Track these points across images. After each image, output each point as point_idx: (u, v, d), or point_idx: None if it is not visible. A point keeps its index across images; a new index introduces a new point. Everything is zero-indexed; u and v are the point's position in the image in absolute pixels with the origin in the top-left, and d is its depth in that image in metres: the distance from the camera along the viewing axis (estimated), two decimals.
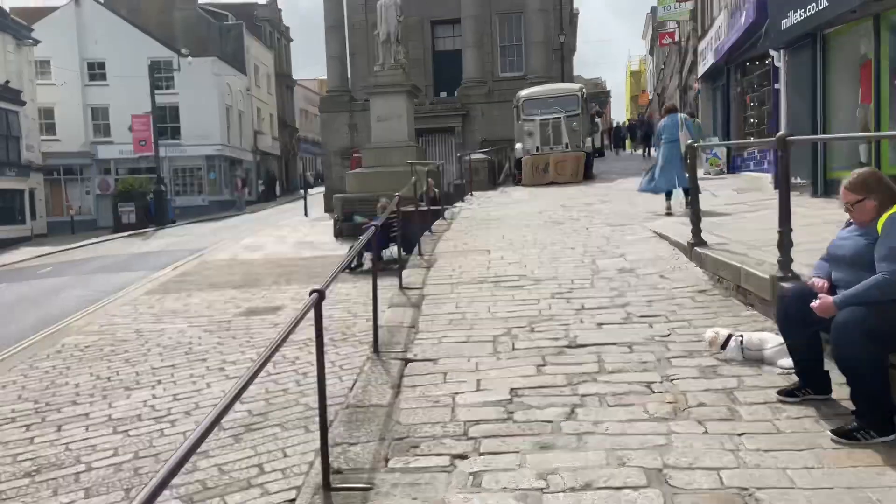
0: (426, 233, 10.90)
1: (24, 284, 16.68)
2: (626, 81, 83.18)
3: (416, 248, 9.53)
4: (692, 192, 7.42)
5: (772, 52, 11.78)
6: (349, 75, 31.41)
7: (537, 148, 18.46)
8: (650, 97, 63.42)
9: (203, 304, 11.70)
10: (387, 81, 21.89)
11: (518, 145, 19.29)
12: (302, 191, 47.06)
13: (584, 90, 19.26)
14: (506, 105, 27.40)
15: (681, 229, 8.18)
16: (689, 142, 8.68)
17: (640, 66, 78.47)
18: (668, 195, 10.65)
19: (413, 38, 30.92)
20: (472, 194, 17.07)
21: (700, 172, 13.42)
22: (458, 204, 15.04)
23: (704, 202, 8.46)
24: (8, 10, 30.99)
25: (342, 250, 18.20)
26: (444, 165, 29.62)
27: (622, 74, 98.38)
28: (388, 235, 14.02)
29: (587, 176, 18.70)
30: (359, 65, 30.47)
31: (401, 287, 7.09)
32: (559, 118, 18.31)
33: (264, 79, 44.27)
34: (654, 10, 57.98)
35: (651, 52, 61.96)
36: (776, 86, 12.23)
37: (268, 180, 41.75)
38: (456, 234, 10.83)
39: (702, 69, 20.65)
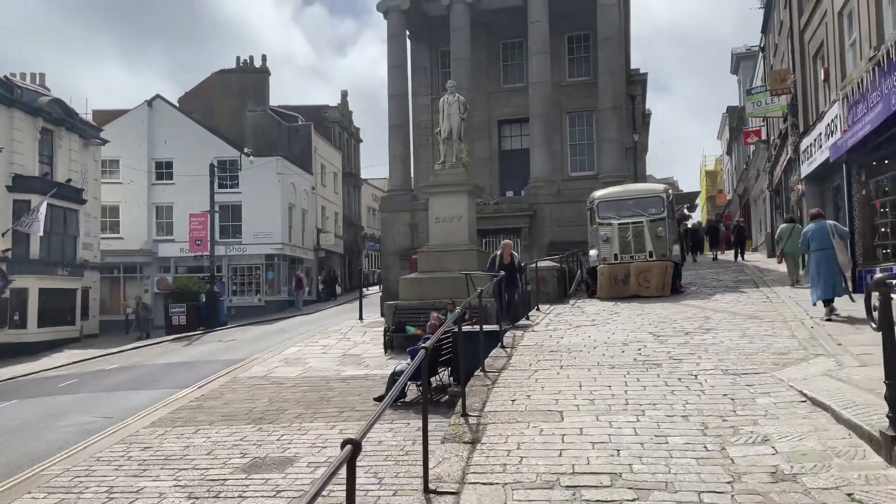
0: (477, 372, 8.45)
1: (34, 402, 15.02)
2: (701, 181, 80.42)
3: (461, 399, 7.11)
4: (886, 347, 4.81)
5: None
6: (412, 174, 30.24)
7: (616, 256, 16.01)
8: (728, 197, 60.41)
9: (205, 448, 9.50)
10: (447, 180, 20.19)
11: (592, 252, 16.90)
12: (365, 289, 45.83)
13: (669, 191, 16.90)
14: (576, 206, 25.30)
15: (848, 392, 5.51)
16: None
17: (716, 165, 75.95)
18: (828, 302, 10.81)
19: (479, 137, 29.74)
20: (538, 308, 14.66)
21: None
22: (522, 322, 12.60)
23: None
24: (84, 112, 31.69)
25: (389, 368, 15.92)
26: None
27: (695, 174, 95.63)
28: (437, 359, 11.73)
29: (675, 289, 16.03)
30: (422, 164, 29.29)
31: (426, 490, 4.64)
32: (641, 223, 15.91)
33: (331, 178, 44.01)
34: (730, 109, 56.51)
35: (728, 151, 59.52)
36: None
37: (328, 279, 40.48)
38: (516, 374, 8.39)
39: (806, 169, 18.02)
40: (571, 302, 15.93)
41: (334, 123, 45.98)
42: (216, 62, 44.72)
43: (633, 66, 33.95)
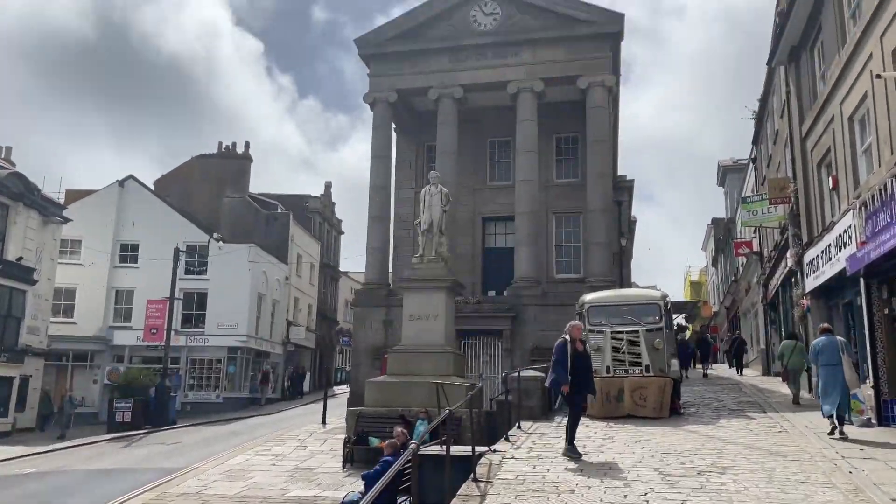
0: None
1: None
2: (686, 292, 79.75)
3: None
4: None
5: None
6: (390, 269, 28.75)
7: (608, 369, 14.25)
8: (714, 309, 59.36)
9: None
10: (425, 275, 18.69)
11: None
12: (335, 387, 43.16)
13: (667, 298, 15.38)
14: (562, 310, 23.72)
15: None
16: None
17: (701, 276, 75.52)
18: (837, 418, 10.74)
19: (463, 233, 28.55)
20: (519, 426, 12.72)
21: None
22: (499, 448, 10.65)
23: None
24: (57, 190, 30.21)
25: (344, 488, 13.70)
26: (488, 372, 25.97)
27: (679, 283, 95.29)
28: (398, 486, 9.72)
29: (673, 409, 14.20)
30: (401, 259, 27.89)
31: None
32: (636, 332, 14.27)
33: (307, 269, 42.39)
34: (715, 220, 56.43)
35: (714, 263, 59.02)
36: None
37: (295, 376, 38.04)
38: None
39: (812, 283, 16.69)
40: (557, 419, 13.99)
41: (315, 213, 44.90)
42: (207, 149, 44.80)
43: (619, 172, 33.50)
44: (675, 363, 14.69)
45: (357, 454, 16.62)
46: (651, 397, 13.73)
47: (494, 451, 10.29)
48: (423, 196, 19.60)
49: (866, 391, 12.40)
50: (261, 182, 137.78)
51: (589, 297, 15.92)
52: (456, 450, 9.66)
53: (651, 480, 7.99)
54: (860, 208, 12.29)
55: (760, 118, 26.57)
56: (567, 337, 10.30)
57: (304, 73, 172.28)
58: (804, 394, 15.92)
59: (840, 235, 13.89)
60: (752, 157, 30.35)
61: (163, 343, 27.77)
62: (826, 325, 12.80)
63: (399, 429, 12.58)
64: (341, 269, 52.13)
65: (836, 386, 10.90)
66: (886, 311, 11.92)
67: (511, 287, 25.74)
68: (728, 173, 45.02)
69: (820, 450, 9.64)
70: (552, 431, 12.26)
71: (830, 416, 10.95)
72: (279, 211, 40.19)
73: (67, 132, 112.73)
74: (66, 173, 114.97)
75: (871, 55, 12.10)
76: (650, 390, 13.76)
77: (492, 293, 27.90)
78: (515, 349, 25.08)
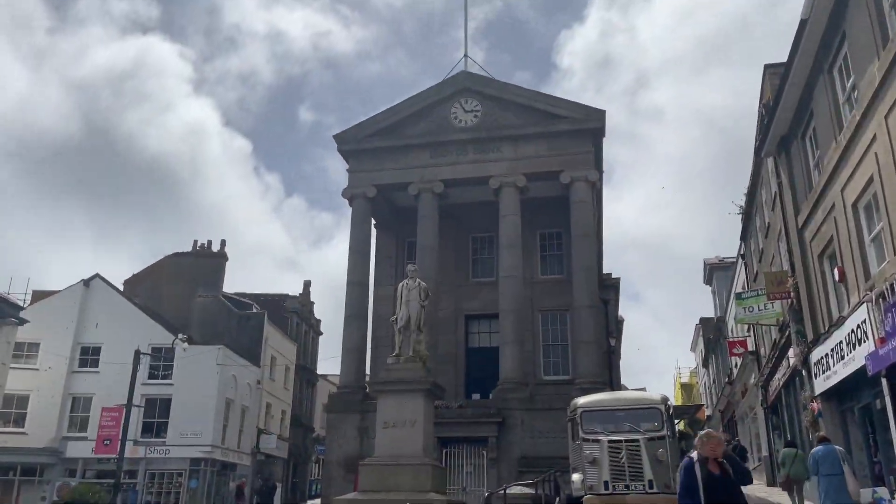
0: None
1: None
2: (676, 395, 77.62)
3: None
4: None
5: None
6: (367, 371, 27.02)
7: (606, 483, 12.54)
8: (708, 413, 57.24)
9: None
10: (401, 376, 17.05)
11: (576, 476, 13.41)
12: (309, 502, 40.00)
13: (669, 402, 13.90)
14: (551, 414, 22.13)
15: None
16: None
17: (691, 378, 73.70)
18: None
19: (444, 332, 27.19)
20: None
21: None
22: None
23: None
24: (23, 292, 28.70)
25: None
26: (473, 485, 23.74)
27: (668, 385, 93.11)
28: None
29: None
30: (380, 360, 26.20)
31: None
32: (637, 441, 12.70)
33: (281, 371, 40.29)
34: (703, 320, 55.38)
35: (705, 364, 57.55)
36: None
37: (265, 489, 35.09)
38: None
39: (823, 384, 15.31)
40: None
41: (293, 314, 43.33)
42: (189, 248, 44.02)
43: (604, 270, 32.66)
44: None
45: None
46: None
47: None
48: (400, 291, 18.31)
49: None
50: (244, 283, 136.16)
51: (582, 400, 14.40)
52: None
53: None
54: (876, 300, 11.15)
55: (748, 213, 26.01)
56: (694, 456, 6.74)
57: (290, 172, 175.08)
58: None
59: (853, 331, 12.68)
60: (741, 253, 29.64)
61: (115, 455, 25.41)
62: (823, 433, 12.97)
63: None
64: (319, 371, 49.93)
65: (843, 497, 10.78)
66: None
67: (496, 389, 24.11)
68: (714, 271, 44.44)
69: None
70: None
71: None
72: (254, 311, 38.60)
73: (47, 231, 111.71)
74: (42, 274, 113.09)
75: (874, 137, 11.35)
76: None
77: (476, 396, 26.20)
78: (502, 459, 23.15)
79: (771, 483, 25.46)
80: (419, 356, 17.66)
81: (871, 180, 11.73)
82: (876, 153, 11.28)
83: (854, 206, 12.77)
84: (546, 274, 28.40)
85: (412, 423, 16.73)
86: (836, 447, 11.70)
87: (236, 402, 33.83)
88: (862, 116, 11.73)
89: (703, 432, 7.17)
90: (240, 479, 34.50)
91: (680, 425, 31.94)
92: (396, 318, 18.17)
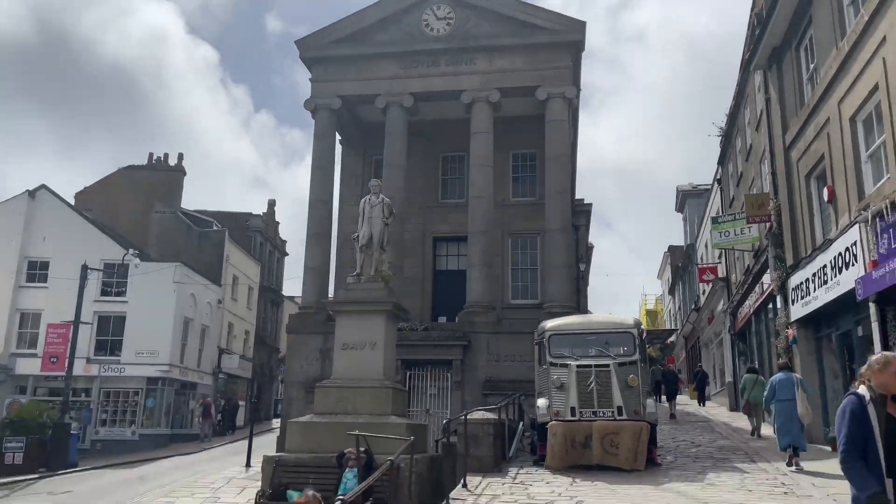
0: None
1: None
2: (642, 321, 78.84)
3: None
4: None
5: None
6: (331, 292, 26.08)
7: (573, 410, 11.92)
8: (671, 339, 58.13)
9: None
10: (361, 296, 16.12)
11: (541, 402, 12.77)
12: (274, 420, 39.82)
13: (641, 326, 13.20)
14: (517, 339, 21.54)
15: None
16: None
17: (657, 305, 74.64)
18: (793, 449, 11.34)
19: (411, 255, 26.22)
20: (464, 485, 10.23)
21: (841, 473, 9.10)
22: None
23: None
24: None
25: None
26: (436, 407, 23.35)
27: (634, 312, 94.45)
28: None
29: (650, 458, 11.92)
30: (344, 280, 25.27)
31: None
32: (607, 367, 12.01)
33: (244, 291, 39.21)
34: (672, 248, 55.37)
35: (671, 291, 57.99)
36: None
37: (227, 408, 34.72)
38: None
39: (801, 310, 14.75)
40: (512, 473, 11.55)
41: (256, 233, 41.93)
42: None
43: (577, 195, 31.73)
44: (651, 404, 12.44)
45: None
46: (624, 445, 11.42)
47: None
48: (363, 207, 17.14)
49: None
50: (212, 201, 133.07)
51: (550, 323, 13.63)
52: None
53: None
54: (872, 220, 10.33)
55: (728, 135, 25.04)
56: (863, 391, 4.35)
57: (259, 85, 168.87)
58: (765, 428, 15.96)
59: (841, 254, 11.95)
60: (718, 177, 28.85)
61: (63, 373, 24.38)
62: (784, 361, 13.39)
63: (310, 492, 9.92)
64: (285, 293, 49.00)
65: (793, 420, 11.51)
66: None
67: (462, 313, 23.40)
68: (687, 198, 43.87)
69: None
70: (506, 493, 9.80)
71: (786, 449, 11.53)
72: (214, 228, 37.12)
73: (2, 141, 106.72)
74: (19, 184, 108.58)
75: (883, 39, 10.26)
76: (623, 437, 11.46)
77: (442, 319, 25.53)
78: (466, 382, 22.67)
79: (733, 408, 25.61)
80: (381, 276, 16.71)
81: (875, 89, 10.72)
82: (884, 58, 10.23)
83: (852, 119, 11.80)
84: (518, 196, 27.38)
85: (373, 344, 15.93)
86: (794, 374, 12.29)
87: (196, 321, 32.81)
88: (871, 16, 10.58)
89: (875, 356, 4.52)
90: (206, 398, 33.97)
91: (650, 351, 32.17)
92: (358, 236, 17.11)
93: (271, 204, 45.92)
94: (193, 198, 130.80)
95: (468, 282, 23.72)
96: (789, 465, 11.33)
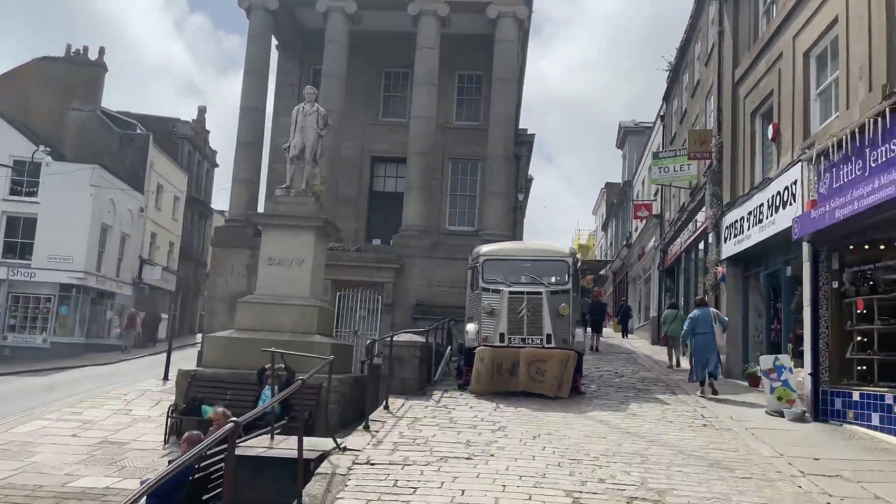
0: None
1: None
2: (577, 251, 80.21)
3: None
4: None
5: None
6: (260, 206, 24.97)
7: (502, 336, 11.69)
8: (602, 272, 59.32)
9: None
10: (290, 210, 15.37)
11: (471, 326, 12.51)
12: (199, 335, 38.84)
13: (577, 256, 12.97)
14: (452, 264, 21.23)
15: None
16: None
17: (589, 240, 76.04)
18: (709, 377, 11.97)
19: (348, 173, 25.27)
20: (386, 407, 9.92)
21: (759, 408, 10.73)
22: (353, 443, 7.77)
23: None
24: None
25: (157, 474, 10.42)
26: (365, 328, 23.02)
27: (567, 244, 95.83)
28: (204, 489, 6.70)
29: (574, 387, 11.89)
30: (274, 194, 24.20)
31: None
32: (539, 294, 11.77)
33: (169, 201, 37.31)
34: (609, 185, 55.83)
35: (604, 227, 58.88)
36: None
37: (148, 321, 33.54)
38: None
39: (732, 248, 14.83)
40: (436, 396, 11.32)
41: (184, 140, 39.70)
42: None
43: (521, 125, 31.08)
44: (579, 333, 12.36)
45: (186, 426, 13.27)
46: (550, 373, 11.31)
47: (344, 448, 7.38)
48: (295, 115, 16.13)
49: (798, 377, 10.51)
50: (139, 105, 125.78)
51: (485, 248, 13.26)
52: (279, 454, 6.76)
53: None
54: (816, 158, 10.16)
55: (676, 70, 24.69)
56: None
57: None
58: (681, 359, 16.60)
59: (779, 193, 11.86)
60: (661, 114, 28.69)
61: None
62: (701, 297, 14.29)
63: (220, 409, 9.41)
64: (214, 206, 47.16)
65: (711, 352, 12.09)
66: (835, 286, 9.95)
67: (397, 235, 22.86)
68: (629, 135, 43.84)
69: (768, 460, 7.45)
70: (428, 416, 9.53)
71: (700, 380, 12.09)
72: (138, 132, 34.85)
73: None
74: None
75: None
76: (550, 364, 11.34)
77: (377, 242, 24.93)
78: (398, 305, 22.38)
79: (655, 341, 26.34)
80: (313, 190, 15.92)
81: (834, 22, 10.36)
82: None
83: (806, 54, 11.49)
84: (461, 120, 26.56)
85: (300, 261, 15.30)
86: (711, 309, 12.94)
87: (115, 228, 31.08)
88: None
89: None
90: (130, 310, 32.68)
91: (583, 282, 32.67)
92: (289, 146, 16.13)
93: (202, 111, 43.55)
94: (118, 100, 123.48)
95: (405, 204, 23.09)
96: (702, 395, 11.75)
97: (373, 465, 6.80)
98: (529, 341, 11.56)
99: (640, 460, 7.21)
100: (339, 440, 7.68)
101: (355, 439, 7.90)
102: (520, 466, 6.79)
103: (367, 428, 8.44)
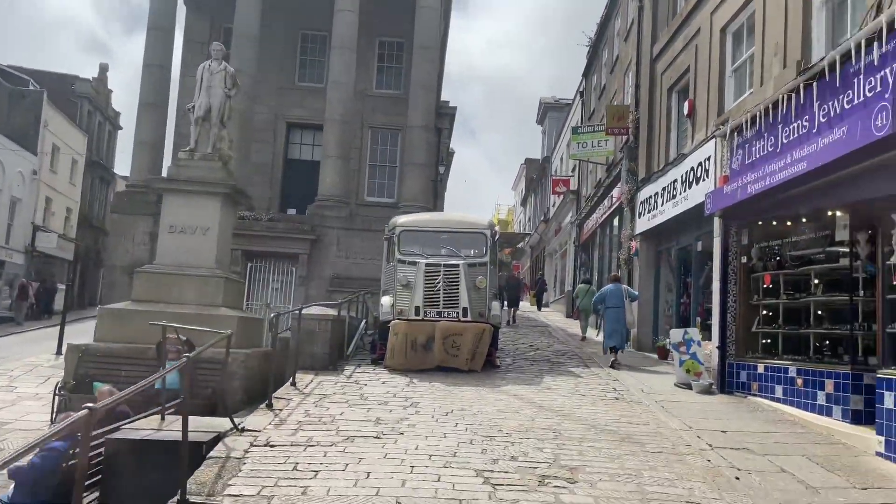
0: None
1: None
2: (496, 224, 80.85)
3: None
4: None
5: None
6: (164, 171, 23.56)
7: (417, 309, 11.35)
8: (520, 246, 60.11)
9: None
10: (194, 175, 14.35)
11: (385, 300, 12.11)
12: (100, 307, 36.69)
13: (495, 228, 12.74)
14: (370, 236, 20.72)
15: None
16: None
17: (508, 215, 76.87)
18: (613, 350, 12.66)
19: (262, 139, 24.22)
20: (293, 383, 9.42)
21: (668, 380, 10.93)
22: (254, 423, 7.26)
23: None
24: None
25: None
26: (279, 301, 22.23)
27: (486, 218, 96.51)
28: (83, 482, 5.99)
29: (489, 359, 11.73)
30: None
31: None
32: (457, 267, 11.47)
33: (66, 164, 34.77)
34: (528, 161, 56.32)
35: (524, 203, 59.56)
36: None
37: (42, 291, 31.31)
38: None
39: (646, 223, 15.01)
40: (348, 372, 10.89)
41: (84, 99, 37.04)
42: None
43: (443, 98, 30.62)
44: (496, 306, 12.17)
45: (77, 405, 12.32)
46: (466, 347, 11.09)
47: (243, 429, 6.87)
48: (201, 74, 15.05)
49: (706, 350, 10.70)
50: (33, 59, 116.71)
51: (403, 219, 12.82)
52: (164, 437, 6.20)
53: (472, 497, 5.09)
54: (730, 134, 10.24)
55: (596, 46, 24.80)
56: None
57: None
58: (590, 331, 17.49)
59: (693, 169, 11.99)
60: (581, 90, 28.87)
61: None
62: (615, 274, 15.15)
63: (106, 387, 8.66)
64: (118, 171, 44.42)
65: (620, 324, 12.81)
66: (744, 261, 10.11)
67: (313, 205, 22.08)
68: (549, 111, 44.18)
69: (677, 433, 7.46)
70: (337, 392, 9.10)
71: (612, 349, 12.70)
72: (30, 88, 32.18)
73: None
74: None
75: None
76: (465, 338, 11.10)
77: (292, 211, 24.08)
78: (313, 277, 21.72)
79: (569, 314, 26.79)
80: (220, 154, 14.93)
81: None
82: None
83: (723, 30, 11.56)
84: (381, 88, 25.92)
85: (205, 229, 14.35)
86: (623, 285, 13.71)
87: (4, 191, 28.69)
88: None
89: None
90: (21, 280, 30.35)
91: (501, 255, 32.94)
92: (194, 107, 15.07)
93: (104, 69, 40.61)
94: (14, 55, 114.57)
95: (321, 173, 22.33)
96: (612, 366, 12.16)
97: (272, 446, 6.33)
98: (445, 314, 11.28)
99: (553, 436, 7.05)
100: (238, 420, 7.16)
101: (256, 419, 7.39)
102: (430, 445, 6.49)
103: (269, 406, 7.93)
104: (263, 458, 5.95)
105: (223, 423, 7.00)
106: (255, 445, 6.34)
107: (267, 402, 8.04)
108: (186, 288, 13.77)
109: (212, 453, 6.02)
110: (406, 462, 5.91)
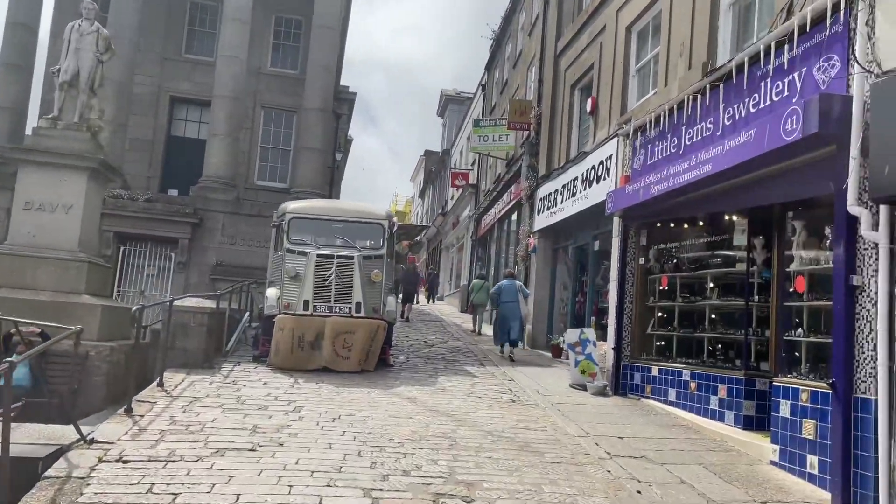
0: None
1: None
2: (394, 215, 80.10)
3: None
4: None
5: (857, 211, 5.62)
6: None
7: (306, 303, 10.55)
8: (417, 239, 59.74)
9: None
10: (56, 146, 12.83)
11: (271, 292, 11.21)
12: None
13: (393, 219, 12.08)
14: (259, 222, 19.56)
15: None
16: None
17: (406, 206, 76.42)
18: (510, 343, 13.09)
19: (142, 112, 22.41)
20: (160, 384, 8.41)
21: (563, 381, 10.80)
22: (106, 432, 6.30)
23: None
24: None
25: None
26: (155, 289, 20.61)
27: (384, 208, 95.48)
28: None
29: (382, 358, 11.12)
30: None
31: None
32: (351, 259, 10.75)
33: None
34: (428, 153, 56.03)
35: (422, 195, 59.24)
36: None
37: None
38: None
39: (545, 220, 14.86)
40: (226, 371, 9.94)
41: None
42: None
43: (343, 83, 29.57)
44: (391, 302, 11.57)
45: None
46: (357, 345, 10.41)
47: (92, 440, 5.90)
48: (69, 34, 13.51)
49: (601, 350, 10.59)
50: None
51: (293, 205, 11.93)
52: (20, 442, 5.19)
53: None
54: (633, 134, 10.13)
55: (500, 40, 24.64)
56: None
57: None
58: (485, 327, 17.46)
59: (594, 168, 11.86)
60: (483, 83, 28.70)
61: None
62: (510, 270, 15.46)
63: None
64: None
65: (515, 319, 13.16)
66: (642, 262, 10.04)
67: (197, 186, 20.59)
68: (450, 104, 43.99)
69: (575, 440, 7.17)
70: (211, 395, 8.19)
71: (503, 343, 13.15)
72: None
73: None
74: None
75: None
76: (357, 336, 10.42)
77: (173, 192, 22.39)
78: (194, 263, 20.29)
79: (464, 309, 26.63)
80: (88, 125, 13.42)
81: None
82: None
83: (628, 28, 11.47)
84: (277, 66, 24.59)
85: (67, 207, 12.84)
86: (517, 282, 14.03)
87: None
88: None
89: None
90: None
91: (398, 247, 32.31)
92: (59, 70, 13.46)
93: None
94: None
95: (207, 152, 20.90)
96: (503, 355, 12.96)
97: (125, 462, 5.43)
98: (337, 310, 10.55)
99: (448, 445, 6.55)
100: (88, 429, 6.17)
101: (110, 427, 6.41)
102: (313, 458, 5.81)
103: (129, 411, 6.95)
104: (113, 479, 5.06)
105: (68, 433, 6.00)
106: (105, 461, 5.42)
107: (126, 406, 7.05)
108: (43, 272, 12.26)
109: (48, 472, 5.06)
110: (283, 480, 5.21)
